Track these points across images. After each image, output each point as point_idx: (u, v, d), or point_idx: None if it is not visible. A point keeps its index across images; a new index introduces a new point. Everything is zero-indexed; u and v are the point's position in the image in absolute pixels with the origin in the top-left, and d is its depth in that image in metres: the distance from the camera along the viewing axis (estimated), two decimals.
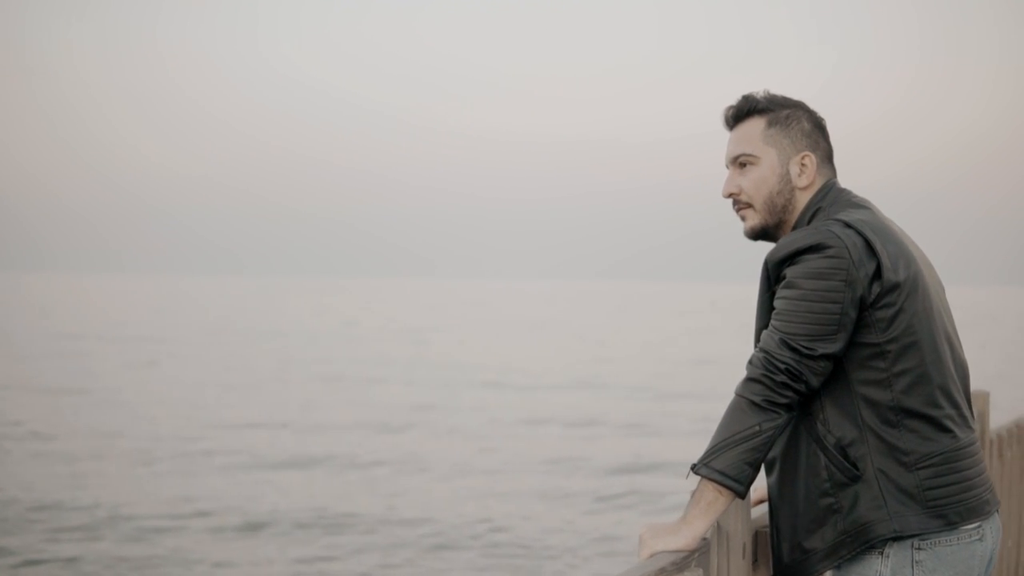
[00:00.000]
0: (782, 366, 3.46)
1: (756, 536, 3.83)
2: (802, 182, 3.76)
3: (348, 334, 73.73)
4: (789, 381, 3.46)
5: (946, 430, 3.57)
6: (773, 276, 3.60)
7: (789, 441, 3.64)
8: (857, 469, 3.53)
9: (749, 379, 3.50)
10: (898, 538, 3.53)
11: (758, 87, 3.89)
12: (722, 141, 3.94)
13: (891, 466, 3.52)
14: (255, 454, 24.75)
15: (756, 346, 3.61)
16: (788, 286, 3.52)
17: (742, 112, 3.83)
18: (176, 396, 36.14)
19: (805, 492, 3.60)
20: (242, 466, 23.33)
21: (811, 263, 3.50)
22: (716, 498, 3.45)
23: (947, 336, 3.67)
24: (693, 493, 3.49)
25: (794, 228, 3.75)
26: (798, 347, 3.47)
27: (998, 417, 7.34)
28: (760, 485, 4.05)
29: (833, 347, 3.48)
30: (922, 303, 3.58)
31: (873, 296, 3.50)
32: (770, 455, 3.69)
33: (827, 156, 3.83)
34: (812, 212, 3.72)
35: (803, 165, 3.76)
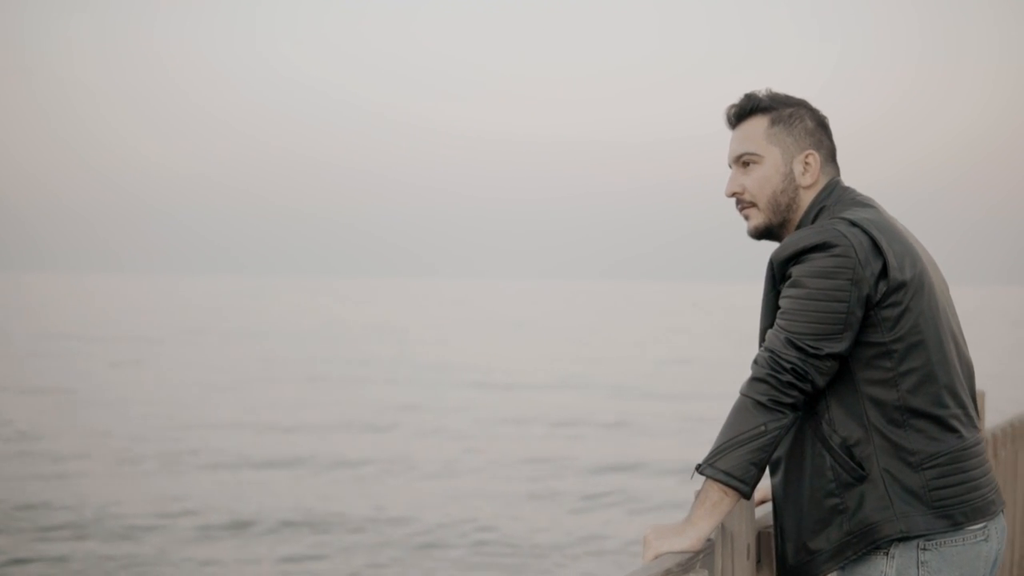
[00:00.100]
0: (788, 365, 3.44)
1: (759, 537, 3.81)
2: (806, 181, 3.73)
3: (337, 334, 73.65)
4: (795, 381, 3.43)
5: (952, 430, 3.55)
6: (778, 275, 3.58)
7: (794, 441, 3.61)
8: (863, 469, 3.51)
9: (754, 379, 3.47)
10: (904, 538, 3.51)
11: (759, 87, 3.87)
12: (723, 141, 3.90)
13: (897, 466, 3.50)
14: (241, 453, 24.71)
15: (761, 345, 3.58)
16: (794, 285, 3.50)
17: (745, 111, 3.80)
18: (163, 395, 36.06)
19: (810, 492, 3.57)
20: (229, 465, 23.28)
21: (817, 262, 3.47)
22: (721, 499, 3.43)
23: (953, 335, 3.65)
24: (698, 493, 3.47)
25: (798, 227, 3.72)
26: (804, 346, 3.44)
27: (992, 418, 7.35)
28: (762, 485, 4.03)
29: (839, 346, 3.46)
30: (928, 302, 3.56)
31: (879, 295, 3.48)
32: (774, 455, 3.66)
33: (830, 154, 3.80)
34: (816, 211, 3.69)
35: (807, 164, 3.74)
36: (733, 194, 3.80)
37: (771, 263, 3.59)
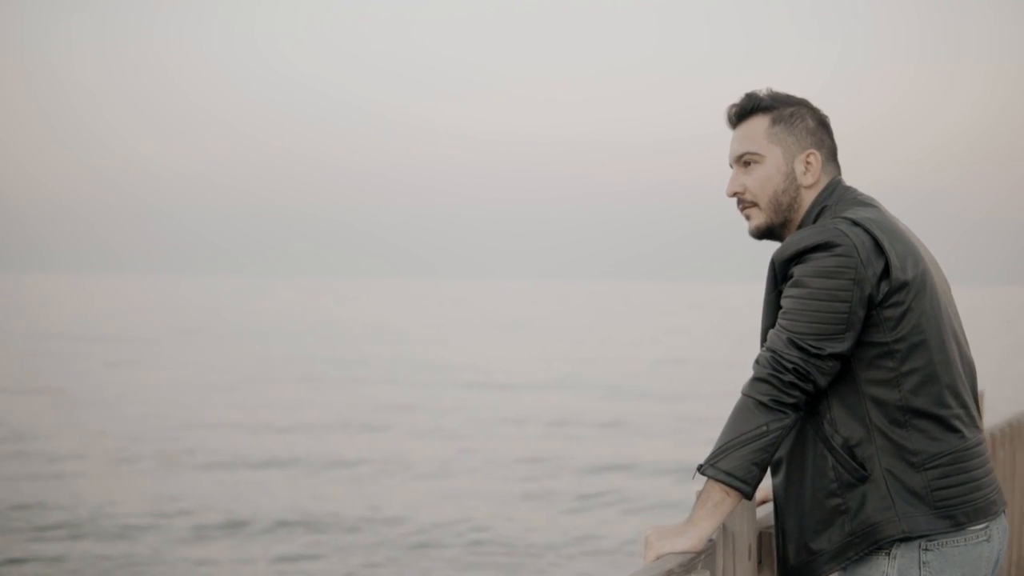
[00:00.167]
0: (790, 366, 3.42)
1: (760, 537, 3.80)
2: (807, 180, 3.72)
3: (334, 334, 73.62)
4: (797, 381, 3.42)
5: (954, 430, 3.54)
6: (780, 275, 3.56)
7: (796, 441, 3.60)
8: (865, 469, 3.50)
9: (756, 379, 3.46)
10: (906, 539, 3.50)
11: (759, 87, 3.86)
12: (723, 141, 3.88)
13: (899, 466, 3.49)
14: (237, 453, 24.70)
15: (762, 345, 3.57)
16: (796, 285, 3.49)
17: (746, 110, 3.78)
18: (159, 395, 36.04)
19: (812, 493, 3.56)
20: (224, 465, 23.27)
21: (819, 261, 3.46)
22: (723, 499, 3.42)
23: (955, 335, 3.64)
24: (699, 494, 3.46)
25: (800, 227, 3.71)
26: (806, 346, 3.43)
27: (988, 418, 7.34)
28: (763, 485, 4.02)
29: (841, 346, 3.45)
30: (930, 302, 3.55)
31: (881, 295, 3.47)
32: (776, 455, 3.64)
33: (832, 154, 3.79)
34: (818, 210, 3.68)
35: (808, 163, 3.72)
36: (734, 194, 3.78)
37: (773, 263, 3.58)
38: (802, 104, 3.80)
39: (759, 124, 3.76)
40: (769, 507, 4.00)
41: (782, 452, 3.63)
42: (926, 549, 3.50)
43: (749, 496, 3.44)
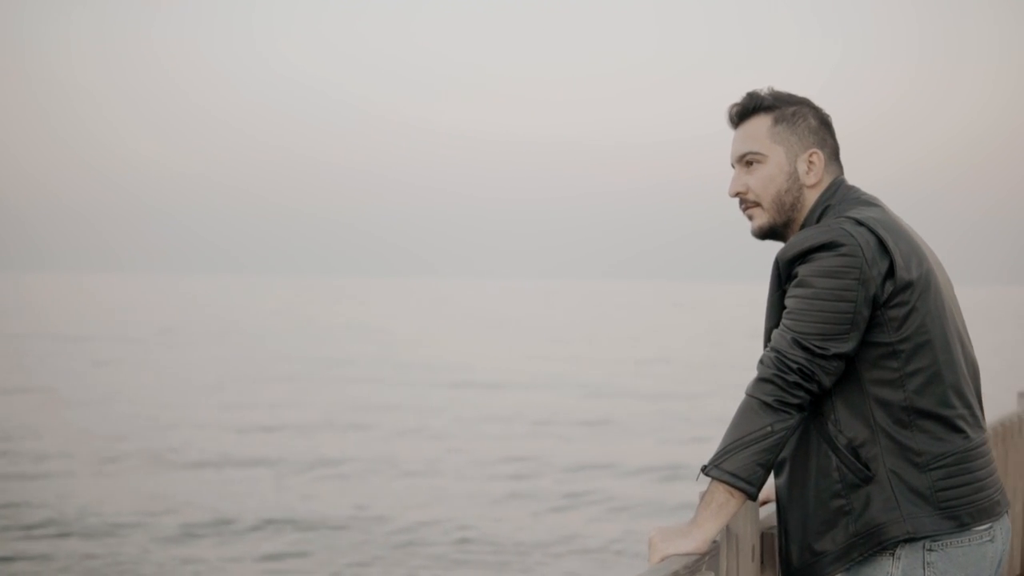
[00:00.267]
0: (794, 366, 3.41)
1: (763, 538, 3.79)
2: (810, 180, 3.70)
3: (321, 333, 73.55)
4: (801, 381, 3.41)
5: (958, 430, 3.53)
6: (784, 274, 3.54)
7: (799, 442, 3.58)
8: (869, 470, 3.48)
9: (760, 379, 3.44)
10: (910, 539, 3.48)
11: (760, 86, 3.85)
12: (724, 141, 3.86)
13: (903, 467, 3.48)
14: (224, 452, 24.67)
15: (766, 346, 3.55)
16: (800, 284, 3.47)
17: (747, 110, 3.76)
18: (146, 394, 36.00)
19: (815, 493, 3.54)
20: (211, 463, 23.24)
21: (824, 261, 3.44)
22: (727, 500, 3.40)
23: (959, 335, 3.63)
24: (703, 495, 3.44)
25: (802, 226, 3.69)
26: (811, 346, 3.41)
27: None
28: (765, 486, 4.01)
29: (846, 346, 3.44)
30: (934, 302, 3.53)
31: (886, 295, 3.45)
32: (779, 456, 3.63)
33: (834, 153, 3.77)
34: (821, 210, 3.66)
35: (811, 163, 3.70)
36: (737, 194, 3.76)
37: (777, 262, 3.56)
38: (804, 103, 3.78)
39: (761, 124, 3.74)
40: (771, 507, 3.99)
41: (786, 453, 3.62)
42: (930, 550, 3.49)
43: (753, 497, 3.42)
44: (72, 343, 58.63)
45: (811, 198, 3.71)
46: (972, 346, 3.73)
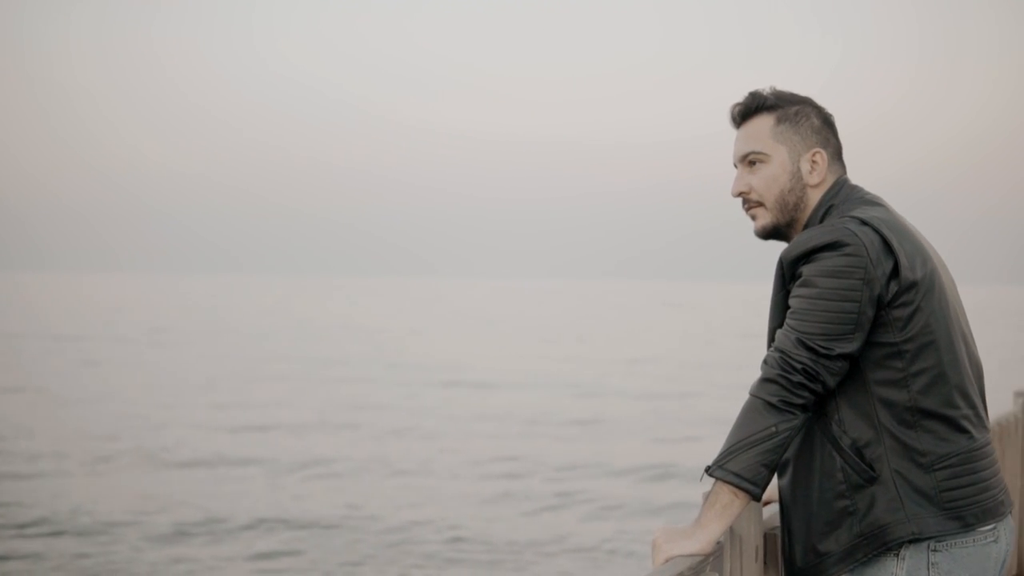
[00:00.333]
0: (799, 366, 3.40)
1: (766, 538, 3.78)
2: (813, 179, 3.69)
3: (313, 332, 73.52)
4: (806, 381, 3.39)
5: (963, 430, 3.52)
6: (788, 274, 3.53)
7: (803, 442, 3.57)
8: (873, 470, 3.47)
9: (764, 379, 3.42)
10: (914, 540, 3.47)
11: (762, 85, 3.83)
12: (725, 141, 3.84)
13: (908, 467, 3.47)
14: (216, 451, 24.65)
15: (770, 346, 3.54)
16: (804, 284, 3.46)
17: (750, 109, 3.75)
18: (137, 394, 35.98)
19: (820, 494, 3.53)
20: (203, 463, 23.23)
21: (828, 261, 3.43)
22: (732, 501, 3.38)
23: (963, 335, 3.62)
24: (707, 496, 3.42)
25: (806, 226, 3.67)
26: (815, 347, 3.40)
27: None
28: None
29: (850, 347, 3.42)
30: (939, 302, 3.52)
31: (891, 295, 3.44)
32: (783, 456, 3.62)
33: (837, 152, 3.76)
34: (825, 210, 3.65)
35: (814, 162, 3.69)
36: (740, 194, 3.75)
37: (781, 262, 3.54)
38: (807, 102, 3.77)
39: (764, 123, 3.72)
40: (774, 508, 3.98)
41: (789, 453, 3.61)
42: (935, 550, 3.48)
43: (758, 498, 3.41)
44: (66, 342, 58.60)
45: (814, 198, 3.69)
46: (976, 346, 3.72)
